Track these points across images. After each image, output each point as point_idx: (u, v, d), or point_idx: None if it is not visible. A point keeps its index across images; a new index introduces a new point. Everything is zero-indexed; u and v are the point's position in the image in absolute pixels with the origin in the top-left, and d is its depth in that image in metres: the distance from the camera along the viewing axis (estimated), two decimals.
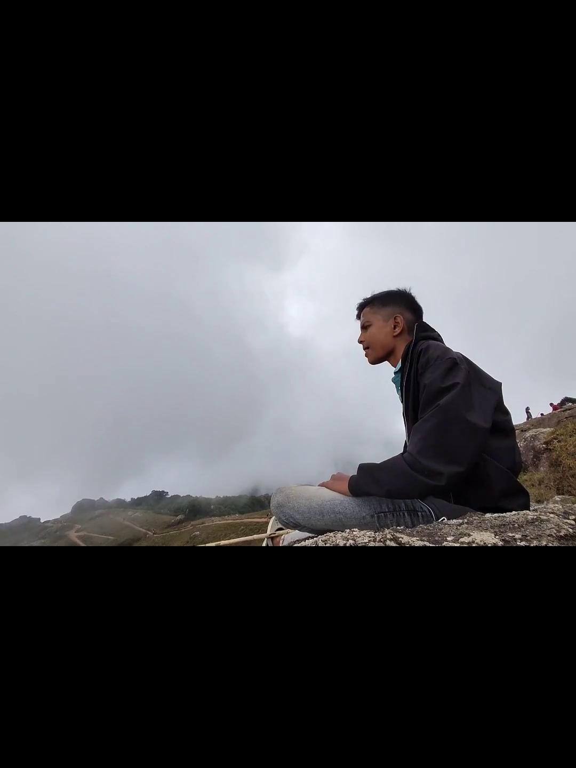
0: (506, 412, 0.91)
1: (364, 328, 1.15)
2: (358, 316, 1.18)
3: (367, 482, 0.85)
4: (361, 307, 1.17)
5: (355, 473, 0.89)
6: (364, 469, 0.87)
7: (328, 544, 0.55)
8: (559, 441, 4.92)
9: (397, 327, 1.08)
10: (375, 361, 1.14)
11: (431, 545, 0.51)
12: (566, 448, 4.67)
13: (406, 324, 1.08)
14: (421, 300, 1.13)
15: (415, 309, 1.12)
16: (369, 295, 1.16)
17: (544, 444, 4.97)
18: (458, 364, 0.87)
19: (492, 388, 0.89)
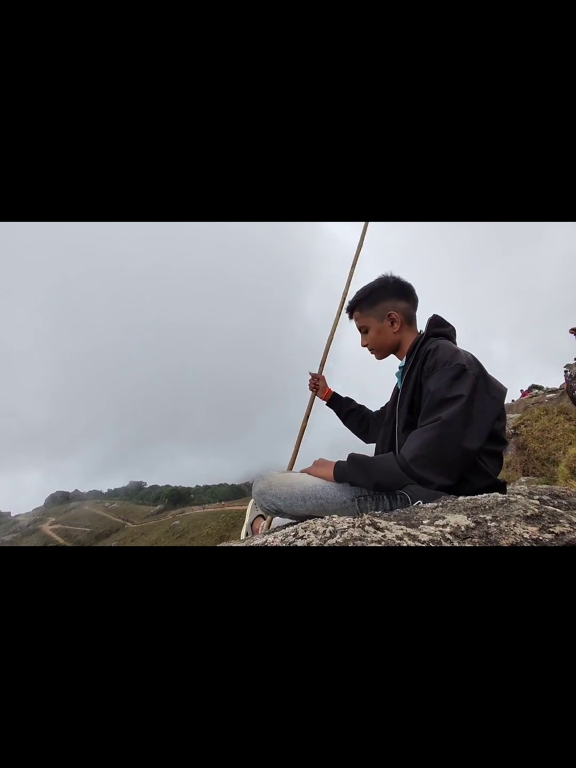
0: (503, 418, 0.90)
1: (361, 330, 1.11)
2: (350, 318, 1.14)
3: (356, 473, 0.86)
4: (351, 311, 1.13)
5: (340, 460, 0.90)
6: (354, 460, 0.88)
7: (308, 530, 0.56)
8: (525, 426, 5.21)
9: (395, 323, 1.04)
10: (383, 358, 1.11)
11: (411, 540, 0.53)
12: (532, 433, 4.95)
13: (402, 316, 1.04)
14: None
15: (405, 293, 1.07)
16: (355, 295, 1.11)
17: (511, 429, 5.25)
18: (466, 371, 0.85)
19: (496, 398, 0.88)
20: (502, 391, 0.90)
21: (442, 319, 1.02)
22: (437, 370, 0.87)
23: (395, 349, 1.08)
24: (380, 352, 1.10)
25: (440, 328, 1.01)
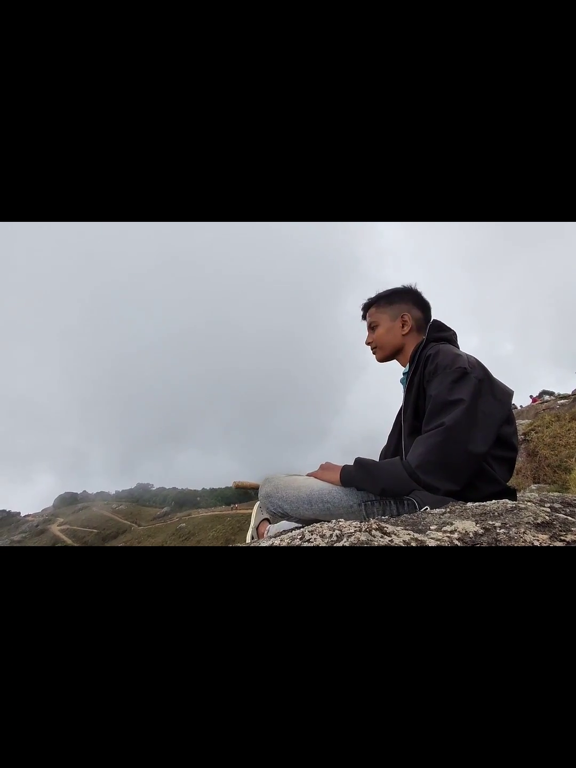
0: (512, 423, 0.89)
1: (371, 328, 1.12)
2: (364, 317, 1.15)
3: (363, 477, 0.86)
4: (367, 307, 1.14)
5: (347, 464, 0.90)
6: (361, 464, 0.88)
7: (314, 534, 0.56)
8: (536, 432, 5.13)
9: (405, 326, 1.06)
10: (383, 360, 1.12)
11: (418, 545, 0.52)
12: (543, 439, 4.87)
13: (414, 322, 1.06)
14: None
15: (422, 305, 1.09)
16: (373, 295, 1.13)
17: (522, 435, 5.16)
18: (468, 374, 0.84)
19: (501, 401, 0.87)
20: (508, 394, 0.90)
21: (443, 323, 1.04)
22: (438, 375, 0.87)
23: (397, 353, 1.09)
24: (382, 351, 1.10)
25: (441, 332, 1.02)
